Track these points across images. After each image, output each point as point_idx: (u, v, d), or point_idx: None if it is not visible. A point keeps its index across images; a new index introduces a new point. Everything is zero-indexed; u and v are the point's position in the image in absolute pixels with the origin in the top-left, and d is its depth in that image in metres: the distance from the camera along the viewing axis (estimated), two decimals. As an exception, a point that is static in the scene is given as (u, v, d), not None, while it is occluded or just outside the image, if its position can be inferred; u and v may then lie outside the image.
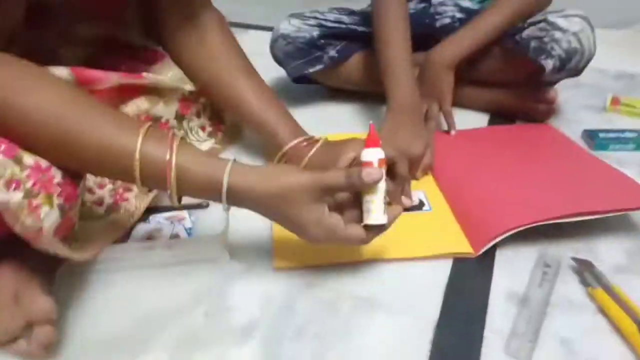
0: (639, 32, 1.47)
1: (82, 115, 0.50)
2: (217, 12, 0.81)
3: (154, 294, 0.60)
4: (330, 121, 0.99)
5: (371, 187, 0.54)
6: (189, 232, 0.68)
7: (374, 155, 0.55)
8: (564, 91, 1.02)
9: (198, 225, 0.70)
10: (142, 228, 0.68)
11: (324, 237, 0.54)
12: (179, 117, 0.82)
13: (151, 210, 0.71)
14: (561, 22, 0.86)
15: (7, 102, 0.47)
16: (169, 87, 0.78)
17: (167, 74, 0.79)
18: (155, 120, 0.77)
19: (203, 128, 0.85)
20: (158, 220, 0.70)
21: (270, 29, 1.03)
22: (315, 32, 0.98)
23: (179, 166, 0.50)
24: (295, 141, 0.73)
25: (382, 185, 0.55)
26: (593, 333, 0.57)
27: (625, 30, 1.47)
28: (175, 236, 0.67)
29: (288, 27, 0.99)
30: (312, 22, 0.99)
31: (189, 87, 0.80)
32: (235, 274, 0.62)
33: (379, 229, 0.56)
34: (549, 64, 0.86)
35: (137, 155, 0.49)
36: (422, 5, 1.04)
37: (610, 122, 1.00)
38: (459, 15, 1.01)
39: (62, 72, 0.63)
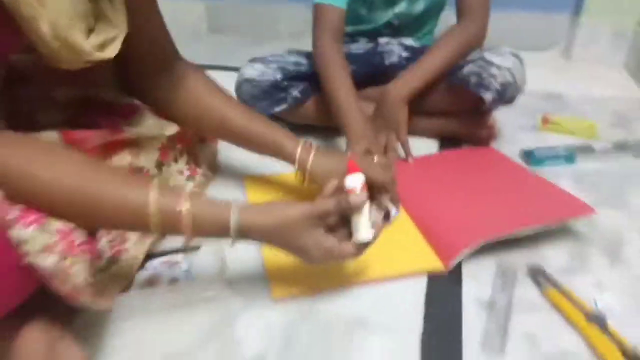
0: (560, 52, 1.65)
1: (95, 181, 0.56)
2: (186, 61, 0.87)
3: (164, 338, 0.64)
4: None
5: (356, 209, 0.63)
6: (186, 274, 0.74)
7: (357, 181, 0.65)
8: (501, 114, 1.15)
9: (193, 267, 0.76)
10: (141, 275, 0.73)
11: (323, 258, 0.63)
12: (159, 165, 0.86)
13: (147, 257, 0.75)
14: (496, 59, 0.99)
15: (31, 178, 0.52)
16: (149, 136, 0.83)
17: (144, 124, 0.83)
18: (138, 171, 0.82)
19: (181, 172, 0.91)
20: (155, 266, 0.75)
21: (218, 67, 1.09)
22: (278, 75, 1.06)
23: (192, 213, 0.57)
24: (299, 148, 0.81)
25: (366, 206, 0.64)
26: (550, 326, 0.67)
27: (548, 52, 1.64)
28: (174, 279, 0.73)
29: (252, 71, 1.06)
30: (274, 65, 1.07)
31: (168, 131, 0.84)
32: (237, 309, 0.68)
33: (367, 243, 0.65)
34: (488, 96, 0.98)
35: (151, 209, 0.56)
36: (370, 45, 1.15)
37: (544, 139, 1.13)
38: (404, 54, 1.13)
39: (51, 135, 0.68)
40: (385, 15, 1.12)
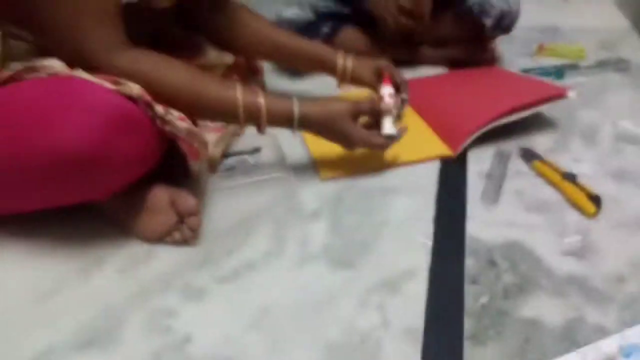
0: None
1: (200, 83, 0.77)
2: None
3: (245, 202, 0.86)
4: (325, 84, 1.26)
5: (385, 112, 0.87)
6: (255, 165, 0.96)
7: (386, 90, 0.92)
8: (502, 45, 1.34)
9: (259, 163, 0.98)
10: (223, 166, 0.96)
11: (360, 143, 0.85)
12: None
13: (222, 156, 0.98)
14: None
15: (156, 80, 0.73)
16: (213, 64, 1.04)
17: (208, 55, 1.04)
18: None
19: None
20: (230, 162, 0.97)
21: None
22: (311, 15, 1.26)
23: (266, 105, 0.79)
24: (339, 56, 1.02)
25: (392, 111, 0.88)
26: (534, 186, 0.88)
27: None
28: (246, 169, 0.95)
29: (288, 12, 1.26)
30: (307, 7, 1.27)
31: (226, 60, 1.05)
32: (296, 185, 0.90)
33: (392, 138, 0.88)
34: (488, 22, 1.17)
35: (239, 103, 0.78)
36: None
37: (539, 63, 1.32)
38: None
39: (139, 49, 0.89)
40: None
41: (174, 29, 1.05)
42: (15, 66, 0.72)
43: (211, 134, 0.96)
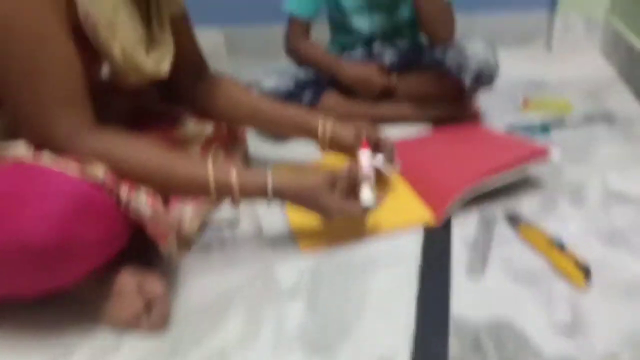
0: (541, 45, 1.83)
1: (169, 162, 0.77)
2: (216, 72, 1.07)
3: (219, 280, 0.83)
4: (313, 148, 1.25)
5: (362, 179, 0.85)
6: (232, 241, 0.93)
7: (365, 155, 0.92)
8: (486, 101, 1.33)
9: (237, 235, 0.94)
10: (200, 239, 0.93)
11: (336, 214, 0.82)
12: (200, 161, 1.07)
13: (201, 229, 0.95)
14: (468, 45, 1.17)
15: (123, 162, 0.72)
16: (191, 136, 1.03)
17: (189, 125, 1.04)
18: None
19: None
20: (208, 234, 0.95)
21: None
22: (291, 84, 1.26)
23: (239, 181, 0.77)
24: (320, 121, 1.01)
25: (371, 177, 0.87)
26: (521, 254, 0.85)
27: (530, 45, 1.82)
28: (222, 243, 0.92)
29: (269, 83, 1.26)
30: (286, 76, 1.27)
31: (207, 130, 1.04)
32: (274, 259, 0.87)
33: (370, 208, 0.85)
34: (467, 79, 1.17)
35: (210, 179, 0.76)
36: (366, 51, 1.35)
37: (526, 118, 1.30)
38: (396, 56, 1.33)
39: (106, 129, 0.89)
40: (371, 26, 1.32)
41: (153, 102, 1.06)
42: None
43: (188, 206, 0.93)
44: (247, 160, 1.18)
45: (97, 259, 0.69)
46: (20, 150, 0.70)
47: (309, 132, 1.03)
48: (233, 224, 0.97)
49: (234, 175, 0.78)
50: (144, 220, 0.70)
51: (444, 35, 1.22)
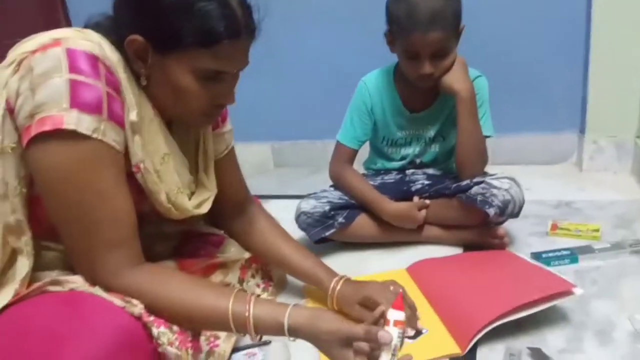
0: (573, 165, 1.88)
1: (194, 296, 0.82)
2: (257, 202, 1.18)
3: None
4: (348, 266, 1.31)
5: (383, 343, 0.75)
6: (262, 361, 0.98)
7: (394, 316, 0.79)
8: (515, 223, 1.37)
9: (267, 357, 0.99)
10: (231, 362, 0.98)
11: None
12: (240, 281, 1.14)
13: (233, 350, 1.00)
14: (495, 182, 1.25)
15: (154, 298, 0.78)
16: (233, 260, 1.12)
17: (230, 250, 1.13)
18: (227, 285, 1.10)
19: (258, 286, 1.18)
20: (238, 357, 1.00)
21: (282, 197, 1.39)
22: (327, 207, 1.35)
23: (255, 316, 0.80)
24: (332, 282, 1.04)
25: (394, 343, 0.76)
26: (546, 396, 0.85)
27: (561, 165, 1.87)
28: (254, 365, 0.97)
29: (306, 206, 1.36)
30: (324, 200, 1.37)
31: (246, 255, 1.13)
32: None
33: None
34: (491, 211, 1.22)
35: (230, 314, 0.80)
36: (400, 176, 1.46)
37: (553, 243, 1.33)
38: (427, 182, 1.42)
39: (170, 263, 0.98)
40: (408, 154, 1.44)
41: (202, 225, 1.16)
42: (44, 276, 0.81)
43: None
44: (284, 280, 1.25)
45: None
46: (77, 281, 0.78)
47: (324, 289, 1.06)
48: (264, 344, 1.02)
49: (251, 312, 0.80)
50: (170, 359, 0.77)
51: (476, 168, 1.31)
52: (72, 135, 0.72)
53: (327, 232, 1.35)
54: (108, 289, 0.77)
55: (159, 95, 0.85)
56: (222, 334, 0.99)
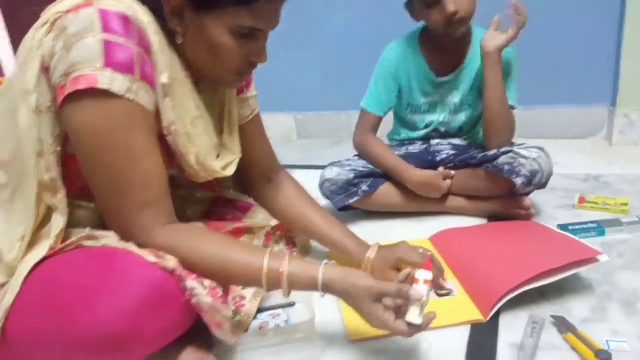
0: (602, 139, 1.84)
1: (228, 252, 0.84)
2: (285, 170, 1.19)
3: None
4: (371, 234, 1.32)
5: (413, 299, 0.78)
6: (287, 322, 1.00)
7: (423, 275, 0.81)
8: (542, 195, 1.36)
9: (290, 317, 1.01)
10: (254, 323, 1.00)
11: (377, 326, 0.82)
12: (264, 247, 1.16)
13: (257, 310, 1.03)
14: (523, 152, 1.23)
15: (188, 253, 0.80)
16: (261, 225, 1.13)
17: (258, 216, 1.14)
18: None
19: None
20: (263, 317, 1.02)
21: (306, 166, 1.40)
22: (350, 175, 1.36)
23: (290, 272, 0.82)
24: (367, 252, 1.05)
25: (423, 300, 0.79)
26: (567, 361, 0.85)
27: (590, 139, 1.84)
28: (277, 325, 0.99)
29: (330, 173, 1.37)
30: (347, 168, 1.37)
31: (273, 222, 1.15)
32: (323, 346, 0.93)
33: (417, 327, 0.80)
34: (518, 181, 1.21)
35: (264, 269, 0.82)
36: (424, 146, 1.45)
37: (579, 216, 1.31)
38: (452, 151, 1.41)
39: (199, 224, 1.00)
40: (432, 121, 1.43)
41: (230, 190, 1.18)
42: (76, 232, 0.83)
43: (249, 289, 1.02)
44: (308, 246, 1.27)
45: (164, 342, 0.78)
46: (111, 237, 0.81)
47: (351, 257, 1.08)
48: (289, 305, 1.04)
49: (285, 267, 0.82)
50: (203, 310, 0.78)
51: (504, 137, 1.30)
52: (105, 94, 0.73)
53: (350, 200, 1.36)
54: (144, 244, 0.79)
55: (194, 53, 0.85)
56: (248, 294, 1.01)
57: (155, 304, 0.73)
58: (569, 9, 1.79)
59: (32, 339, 0.76)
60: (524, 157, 1.22)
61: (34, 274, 0.77)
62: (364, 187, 1.36)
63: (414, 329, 0.80)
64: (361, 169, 1.38)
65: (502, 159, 1.25)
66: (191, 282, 0.78)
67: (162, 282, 0.75)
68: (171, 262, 0.77)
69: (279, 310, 1.04)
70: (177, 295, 0.76)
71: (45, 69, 0.77)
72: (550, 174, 1.24)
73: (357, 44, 2.07)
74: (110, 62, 0.73)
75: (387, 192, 1.38)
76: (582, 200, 1.38)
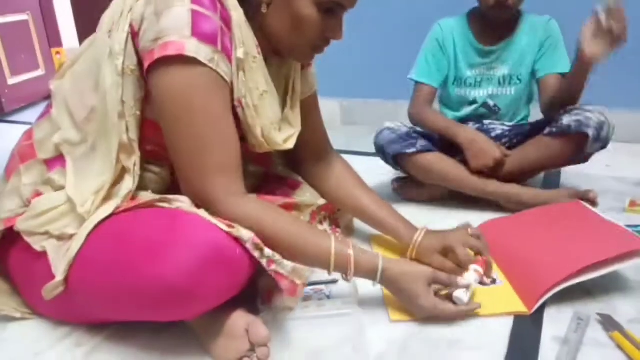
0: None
1: (300, 231, 0.88)
2: (336, 151, 1.20)
3: (312, 337, 0.91)
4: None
5: (462, 286, 0.91)
6: (329, 297, 1.02)
7: (474, 267, 0.97)
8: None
9: (333, 294, 1.03)
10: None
11: (427, 310, 0.88)
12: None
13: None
14: (588, 107, 1.26)
15: (264, 227, 0.83)
16: (307, 204, 1.15)
17: (306, 194, 1.16)
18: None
19: (325, 231, 1.21)
20: (307, 291, 1.04)
21: (349, 152, 1.44)
22: (411, 130, 1.39)
23: (355, 255, 0.87)
24: (415, 235, 1.06)
25: (471, 286, 0.93)
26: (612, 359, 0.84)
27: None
28: (321, 300, 1.01)
29: (392, 124, 1.40)
30: (408, 125, 1.41)
31: (320, 202, 1.17)
32: (365, 323, 0.94)
33: (462, 310, 0.91)
34: (590, 131, 1.22)
35: (332, 251, 0.86)
36: (477, 125, 1.45)
37: (630, 219, 1.28)
38: (506, 128, 1.43)
39: (252, 196, 1.02)
40: (480, 97, 1.44)
41: (279, 167, 1.20)
42: (147, 196, 0.87)
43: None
44: (351, 227, 1.28)
45: (220, 300, 0.81)
46: (184, 202, 0.84)
47: (399, 239, 1.10)
48: (332, 282, 1.06)
49: (351, 251, 0.87)
50: (283, 274, 0.81)
51: (575, 101, 1.30)
52: (192, 62, 0.77)
53: (408, 150, 1.33)
54: (217, 212, 0.82)
55: (275, 24, 0.87)
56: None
57: (215, 264, 0.76)
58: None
59: (95, 289, 0.80)
60: (589, 111, 1.24)
61: (102, 227, 0.81)
62: (422, 142, 1.35)
63: (459, 311, 0.89)
64: (419, 130, 1.40)
65: (566, 119, 1.26)
66: (269, 250, 0.81)
67: (223, 245, 0.78)
68: (245, 234, 0.79)
69: (322, 286, 1.06)
70: (234, 258, 0.79)
71: (133, 34, 0.81)
72: (613, 128, 1.26)
73: (404, 32, 2.05)
74: (197, 31, 0.77)
75: (441, 160, 1.34)
76: (633, 204, 1.35)
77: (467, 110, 1.46)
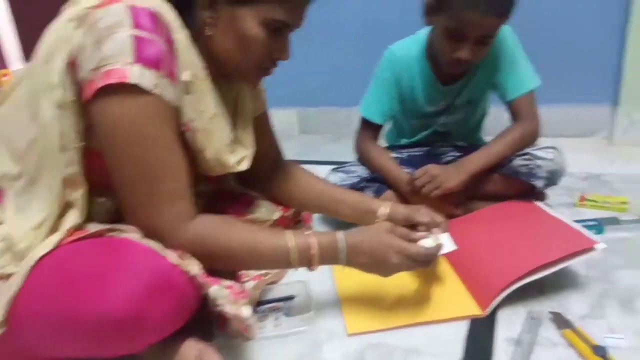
0: (603, 138, 1.84)
1: (252, 235, 0.86)
2: (290, 160, 1.19)
3: (271, 357, 0.90)
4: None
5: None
6: (286, 315, 1.01)
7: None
8: (543, 194, 1.36)
9: (290, 311, 1.02)
10: (257, 312, 1.01)
11: (398, 259, 0.87)
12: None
13: (258, 303, 1.04)
14: (539, 153, 1.22)
15: (215, 243, 0.82)
16: (263, 220, 1.13)
17: (261, 210, 1.15)
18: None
19: None
20: (263, 309, 1.03)
21: (307, 162, 1.41)
22: (355, 180, 1.34)
23: (318, 241, 0.86)
24: (382, 205, 1.07)
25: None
26: (565, 358, 0.86)
27: (592, 138, 1.84)
28: (278, 318, 1.00)
29: (335, 178, 1.35)
30: (353, 174, 1.36)
31: (275, 216, 1.15)
32: (322, 339, 0.93)
33: (432, 254, 0.92)
34: (539, 183, 1.21)
35: (293, 244, 0.85)
36: (427, 148, 1.44)
37: (580, 214, 1.32)
38: (457, 153, 1.40)
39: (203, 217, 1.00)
40: (432, 125, 1.40)
41: (232, 185, 1.18)
42: (94, 226, 0.83)
43: (251, 281, 1.03)
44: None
45: (168, 330, 0.78)
46: (134, 235, 0.80)
47: (371, 214, 1.09)
48: (288, 299, 1.05)
49: (311, 237, 0.87)
50: (228, 316, 0.80)
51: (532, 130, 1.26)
52: (135, 90, 0.74)
53: None
54: (167, 241, 0.79)
55: (221, 46, 0.86)
56: (249, 287, 1.02)
57: (160, 292, 0.73)
58: (572, 6, 1.79)
59: (38, 327, 0.76)
60: (540, 158, 1.21)
61: (44, 262, 0.77)
62: (369, 193, 1.32)
63: (430, 255, 0.91)
64: (365, 174, 1.36)
65: (517, 162, 1.24)
66: (213, 290, 0.79)
67: (167, 271, 0.75)
68: (194, 267, 0.78)
69: (280, 304, 1.05)
70: (181, 285, 0.77)
71: (72, 64, 0.77)
72: (564, 172, 1.25)
73: (362, 39, 2.08)
74: (140, 57, 0.74)
75: (392, 199, 1.32)
76: (582, 198, 1.39)
77: (419, 135, 1.44)
